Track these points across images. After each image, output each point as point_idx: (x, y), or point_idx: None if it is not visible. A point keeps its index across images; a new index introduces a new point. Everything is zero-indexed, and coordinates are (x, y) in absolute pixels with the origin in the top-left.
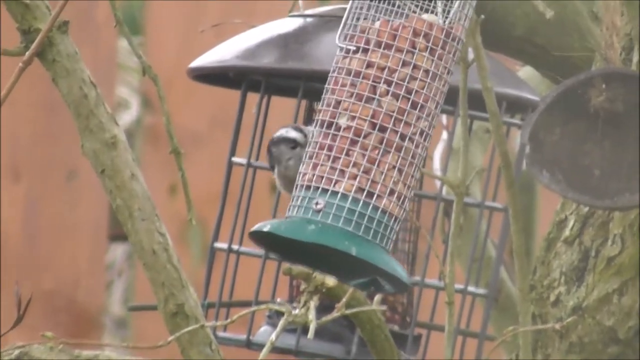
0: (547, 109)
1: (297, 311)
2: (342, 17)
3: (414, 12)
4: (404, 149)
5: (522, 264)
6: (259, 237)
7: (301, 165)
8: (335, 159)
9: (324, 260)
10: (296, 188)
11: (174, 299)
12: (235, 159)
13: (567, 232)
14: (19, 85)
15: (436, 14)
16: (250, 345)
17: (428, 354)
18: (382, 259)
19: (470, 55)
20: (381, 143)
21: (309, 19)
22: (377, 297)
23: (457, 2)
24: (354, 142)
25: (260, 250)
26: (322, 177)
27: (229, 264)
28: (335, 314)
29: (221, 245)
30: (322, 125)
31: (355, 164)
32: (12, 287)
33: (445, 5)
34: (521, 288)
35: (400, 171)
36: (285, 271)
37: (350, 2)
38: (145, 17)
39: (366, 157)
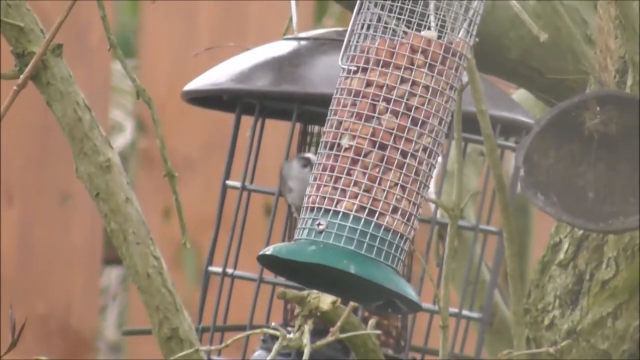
0: (542, 131)
1: (291, 335)
2: (336, 39)
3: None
4: (405, 166)
5: (516, 288)
6: (267, 262)
7: (307, 187)
8: (337, 179)
9: (336, 282)
10: (302, 210)
11: (169, 323)
12: (229, 182)
13: (561, 255)
14: (13, 108)
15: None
16: None
17: None
18: (386, 277)
19: (465, 78)
20: (382, 161)
21: (303, 42)
22: (372, 321)
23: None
24: (355, 161)
25: (254, 274)
26: (325, 198)
27: (224, 288)
28: (329, 338)
29: (215, 269)
30: (325, 147)
31: (356, 183)
32: (6, 311)
33: (445, 22)
34: (515, 312)
35: (403, 188)
36: (280, 295)
37: (351, 23)
38: (139, 40)
39: (367, 176)
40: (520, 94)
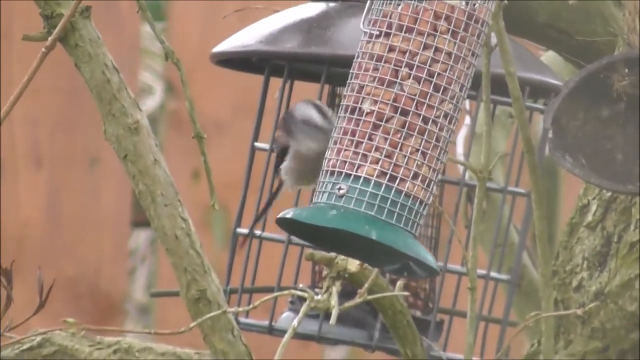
0: (570, 93)
1: (319, 297)
2: (364, 2)
3: None
4: (427, 132)
5: (544, 250)
6: (286, 225)
7: (327, 151)
8: (358, 143)
9: (355, 246)
10: (321, 174)
11: (197, 285)
12: (258, 144)
13: (589, 217)
14: (41, 71)
15: None
16: (273, 331)
17: (450, 340)
18: (405, 243)
19: (493, 40)
20: (403, 127)
21: (331, 4)
22: (400, 283)
23: None
24: (376, 127)
25: (282, 236)
26: (346, 162)
27: (252, 250)
28: (357, 299)
29: (244, 230)
30: (346, 111)
31: (377, 149)
32: (34, 274)
33: None
34: (543, 273)
35: (424, 154)
36: (308, 257)
37: None
38: (169, 2)
39: (388, 141)
40: (548, 56)
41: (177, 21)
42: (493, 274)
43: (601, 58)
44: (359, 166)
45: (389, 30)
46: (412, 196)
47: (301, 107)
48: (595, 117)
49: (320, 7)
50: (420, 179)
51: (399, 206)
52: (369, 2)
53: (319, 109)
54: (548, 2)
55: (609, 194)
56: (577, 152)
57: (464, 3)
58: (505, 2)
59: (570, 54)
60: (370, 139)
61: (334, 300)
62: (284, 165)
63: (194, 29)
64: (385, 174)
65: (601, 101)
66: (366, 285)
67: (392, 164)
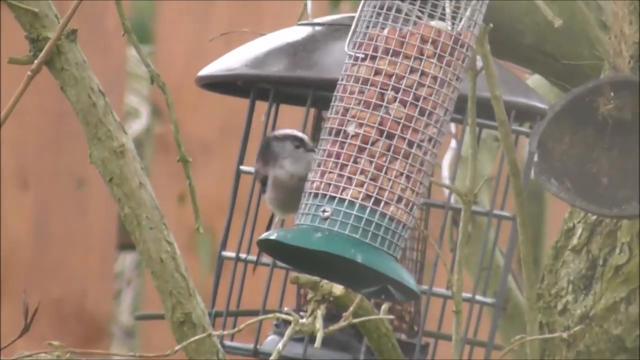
0: (556, 117)
1: (304, 320)
2: (350, 25)
3: (425, 18)
4: (411, 155)
5: (529, 273)
6: (268, 246)
7: (310, 173)
8: (343, 166)
9: (334, 268)
10: (304, 196)
11: (182, 308)
12: (243, 168)
13: (575, 241)
14: (27, 94)
15: (445, 21)
16: (258, 354)
17: None
18: (389, 267)
19: (479, 64)
20: (389, 150)
21: (317, 28)
22: (385, 306)
23: (468, 9)
24: (361, 150)
25: (268, 259)
26: (330, 185)
27: (237, 273)
28: (342, 323)
29: (229, 254)
30: (330, 133)
31: (362, 172)
32: (20, 296)
33: (454, 12)
34: (529, 297)
35: (408, 178)
36: (293, 280)
37: (359, 9)
38: (155, 25)
39: (373, 165)
40: (534, 80)
41: (164, 44)
42: (478, 297)
43: (587, 82)
44: (344, 189)
45: (375, 54)
46: (395, 219)
47: (277, 134)
48: (581, 141)
49: (306, 30)
50: (404, 202)
51: (382, 229)
52: (353, 25)
53: (294, 137)
54: (534, 24)
55: (595, 217)
56: (562, 176)
57: (449, 27)
58: (491, 25)
59: (556, 77)
60: (355, 161)
61: (318, 324)
62: (267, 196)
63: (180, 51)
64: (370, 197)
65: (587, 125)
66: (351, 308)
67: (377, 187)
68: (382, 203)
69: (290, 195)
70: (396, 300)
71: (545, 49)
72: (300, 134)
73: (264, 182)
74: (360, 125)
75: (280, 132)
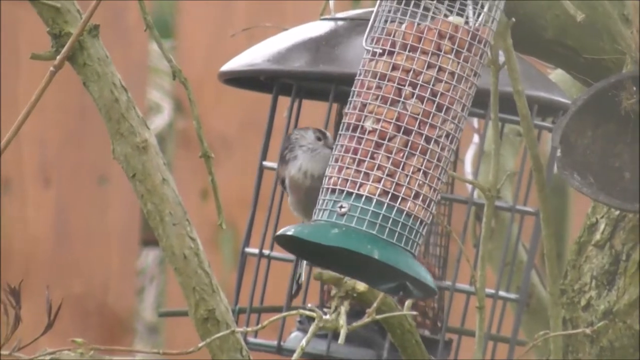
0: (578, 111)
1: (327, 316)
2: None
3: (444, 14)
4: (429, 151)
5: (552, 268)
6: (285, 242)
7: (327, 168)
8: (360, 162)
9: (352, 264)
10: (322, 191)
11: (205, 305)
12: (266, 163)
13: (598, 236)
14: (49, 89)
15: (463, 17)
16: (281, 350)
17: (459, 359)
18: (406, 263)
19: (501, 58)
20: (406, 146)
21: (340, 22)
22: (408, 302)
23: (486, 5)
24: (378, 145)
25: (291, 256)
26: (347, 180)
27: (260, 269)
28: (366, 319)
29: (252, 250)
30: (348, 128)
31: (379, 167)
32: (42, 292)
33: (472, 8)
34: (552, 292)
35: (425, 174)
36: (316, 276)
37: (377, 4)
38: (176, 20)
39: (391, 160)
40: (557, 74)
41: (185, 39)
42: (501, 292)
43: (609, 76)
44: (361, 184)
45: (392, 49)
46: (413, 216)
47: (295, 133)
48: (603, 135)
49: (329, 25)
50: (421, 198)
51: (400, 225)
52: (371, 20)
53: (318, 132)
54: (555, 19)
55: (617, 212)
56: (585, 171)
57: (468, 23)
58: (513, 20)
59: (578, 71)
60: (372, 157)
61: (342, 320)
62: (289, 201)
63: (201, 46)
64: (388, 193)
65: (609, 119)
66: (375, 304)
67: (394, 183)
68: (399, 199)
69: (308, 195)
70: (414, 296)
71: (567, 43)
72: (320, 132)
73: (283, 185)
74: (378, 120)
75: (298, 130)
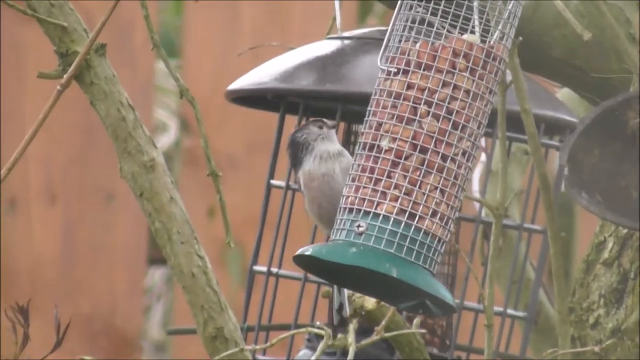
0: (586, 130)
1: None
2: (379, 39)
3: (459, 32)
4: (445, 169)
5: (560, 286)
6: (303, 262)
7: (344, 188)
8: (377, 181)
9: (371, 283)
10: (340, 211)
11: (213, 322)
12: (273, 182)
13: (606, 254)
14: (55, 108)
15: (478, 34)
16: None
17: None
18: (425, 281)
19: (509, 77)
20: (422, 164)
21: (346, 41)
22: (416, 320)
23: (500, 22)
24: (395, 164)
25: (299, 273)
26: (364, 200)
27: (268, 287)
28: (374, 337)
29: (260, 268)
30: (364, 148)
31: (396, 186)
32: (50, 311)
33: (486, 26)
34: (560, 310)
35: (442, 192)
36: (325, 294)
37: (391, 23)
38: (183, 39)
39: (407, 179)
40: (564, 93)
41: (191, 58)
42: (510, 311)
43: (616, 95)
44: (378, 203)
45: (407, 68)
46: (430, 234)
47: (296, 129)
48: (611, 154)
49: (335, 44)
50: (438, 216)
51: (417, 244)
52: (385, 39)
53: (314, 121)
54: (563, 38)
55: (625, 230)
56: (593, 189)
57: (483, 40)
58: (520, 39)
59: (585, 90)
60: (389, 176)
61: (351, 338)
62: (305, 204)
63: (207, 66)
64: (405, 211)
65: (616, 138)
66: (383, 322)
67: (412, 202)
68: (417, 217)
69: (324, 191)
70: (434, 314)
71: (574, 62)
72: (316, 120)
73: (299, 188)
74: (394, 139)
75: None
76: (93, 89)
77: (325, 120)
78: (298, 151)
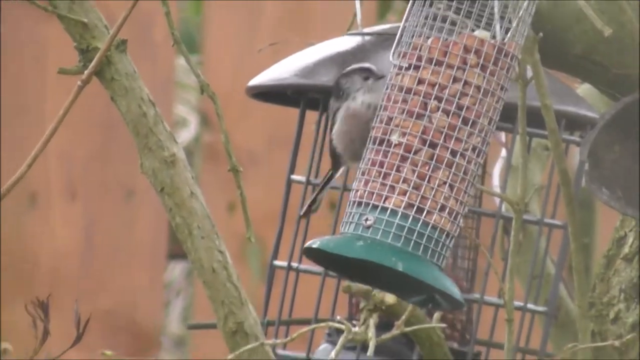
0: (606, 126)
1: (356, 329)
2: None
3: (471, 29)
4: (455, 164)
5: (581, 281)
6: (313, 254)
7: (354, 181)
8: (386, 175)
9: (380, 276)
10: (348, 204)
11: (234, 317)
12: (294, 177)
13: (626, 249)
14: (75, 104)
15: (491, 32)
16: None
17: None
18: (432, 275)
19: (529, 73)
20: (431, 159)
21: (366, 37)
22: (437, 315)
23: (514, 20)
24: (404, 158)
25: (319, 268)
26: (373, 193)
27: (289, 282)
28: (394, 331)
29: (281, 263)
30: (374, 142)
31: (405, 180)
32: (70, 307)
33: (499, 23)
34: (580, 305)
35: (451, 187)
36: (345, 289)
37: (404, 19)
38: (203, 36)
39: (416, 173)
40: (584, 89)
41: (212, 54)
42: (530, 305)
43: (637, 90)
44: (387, 197)
45: (418, 63)
46: (438, 228)
47: (344, 72)
48: (631, 149)
49: (356, 40)
50: (447, 211)
51: (425, 238)
52: (398, 34)
53: (360, 69)
54: (583, 34)
55: None
56: (613, 185)
57: (495, 37)
58: (541, 34)
59: (606, 86)
60: (398, 170)
61: (371, 332)
62: (335, 130)
63: (228, 61)
64: (413, 205)
65: (636, 134)
66: (403, 317)
67: (420, 196)
68: (425, 212)
69: (362, 129)
70: (443, 309)
71: (595, 58)
72: (366, 65)
73: (334, 118)
74: (404, 134)
75: (347, 68)
76: (114, 84)
77: (372, 69)
78: (339, 93)
